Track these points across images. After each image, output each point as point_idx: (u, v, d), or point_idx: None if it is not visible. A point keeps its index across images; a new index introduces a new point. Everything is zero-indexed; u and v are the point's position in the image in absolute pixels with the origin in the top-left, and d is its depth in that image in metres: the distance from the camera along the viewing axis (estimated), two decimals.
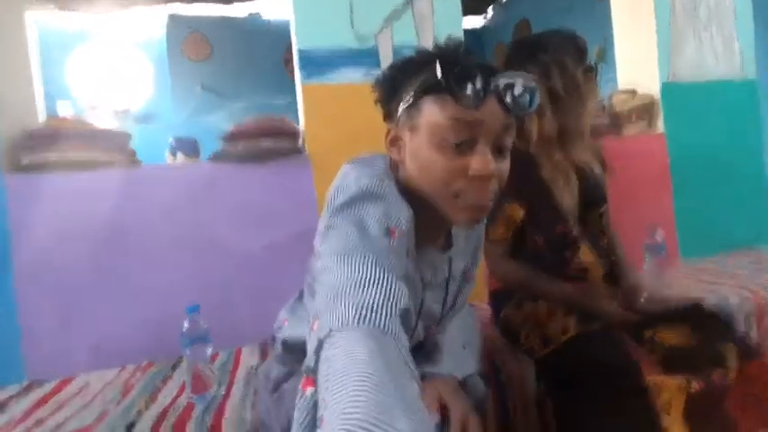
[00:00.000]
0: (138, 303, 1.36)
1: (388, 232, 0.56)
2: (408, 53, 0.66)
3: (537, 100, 0.62)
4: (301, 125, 1.58)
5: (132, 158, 1.51)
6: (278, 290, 1.15)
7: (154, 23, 4.88)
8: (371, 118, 0.75)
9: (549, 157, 1.10)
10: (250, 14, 5.12)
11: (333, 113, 1.54)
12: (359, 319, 0.44)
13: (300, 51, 1.52)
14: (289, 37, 1.57)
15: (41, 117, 1.59)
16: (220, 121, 4.95)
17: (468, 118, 0.58)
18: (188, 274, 1.40)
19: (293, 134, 1.54)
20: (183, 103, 4.93)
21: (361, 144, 0.95)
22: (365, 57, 1.56)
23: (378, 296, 0.47)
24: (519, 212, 1.09)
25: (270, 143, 1.46)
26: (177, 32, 4.94)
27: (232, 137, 1.48)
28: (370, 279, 0.48)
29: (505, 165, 0.63)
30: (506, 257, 1.13)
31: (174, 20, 4.93)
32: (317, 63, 1.52)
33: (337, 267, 0.51)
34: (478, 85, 0.57)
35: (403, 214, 0.59)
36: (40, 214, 1.29)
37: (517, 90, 0.59)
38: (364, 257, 0.51)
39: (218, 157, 1.47)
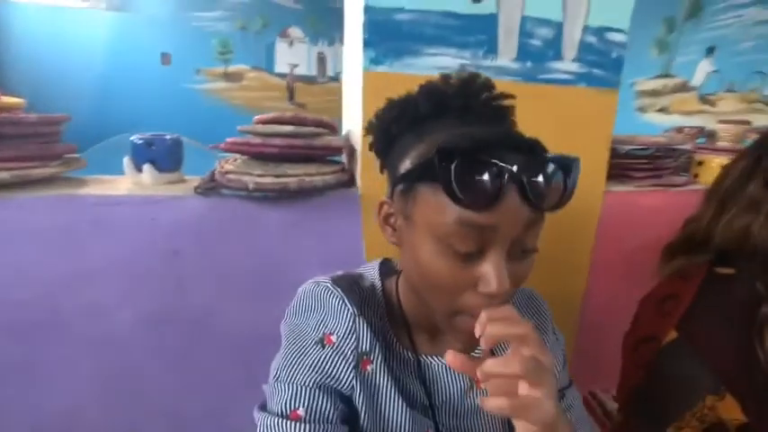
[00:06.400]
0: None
1: (323, 341, 0.51)
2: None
3: (571, 190, 0.43)
4: (357, 142, 0.96)
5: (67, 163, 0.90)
6: None
7: None
8: None
9: None
10: None
11: None
12: None
13: (369, 10, 0.84)
14: None
15: None
16: (218, 20, 4.07)
17: (479, 222, 0.41)
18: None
19: (335, 151, 0.94)
20: None
21: None
22: (476, 30, 0.90)
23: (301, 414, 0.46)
24: (732, 410, 0.64)
25: (297, 169, 0.86)
26: None
27: (236, 147, 0.88)
28: (294, 398, 0.47)
29: (525, 266, 0.46)
30: None
31: None
32: (396, 36, 0.86)
33: (275, 382, 0.50)
34: (490, 183, 0.40)
35: (340, 320, 0.52)
36: None
37: (547, 183, 0.41)
38: (292, 380, 0.49)
39: (211, 187, 0.86)
